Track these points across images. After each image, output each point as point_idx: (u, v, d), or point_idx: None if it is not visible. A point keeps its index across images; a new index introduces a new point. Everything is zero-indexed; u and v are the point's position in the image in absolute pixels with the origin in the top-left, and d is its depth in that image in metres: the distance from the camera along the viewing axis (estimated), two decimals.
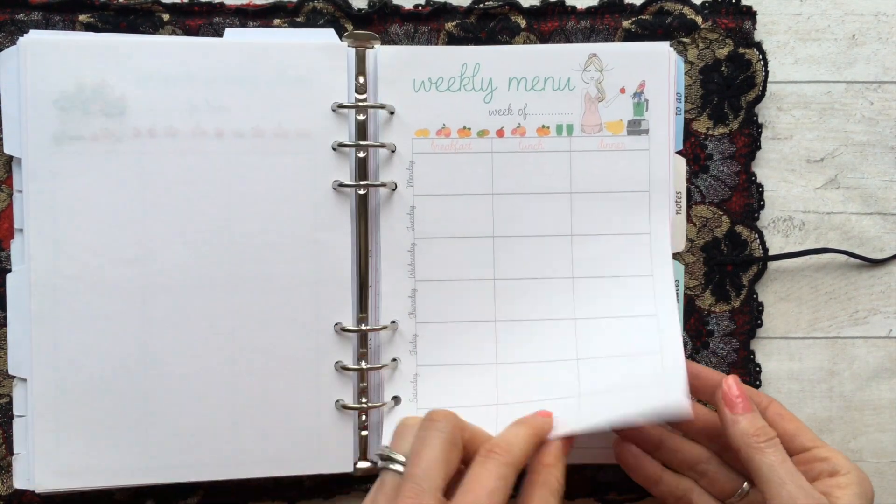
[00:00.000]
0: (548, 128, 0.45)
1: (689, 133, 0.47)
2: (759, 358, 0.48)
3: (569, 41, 0.47)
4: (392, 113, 0.45)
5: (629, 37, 0.46)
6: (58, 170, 0.42)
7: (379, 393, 0.45)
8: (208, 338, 0.43)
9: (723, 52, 0.46)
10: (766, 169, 0.48)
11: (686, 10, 0.46)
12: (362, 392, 0.45)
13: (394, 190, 0.45)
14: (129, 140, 0.43)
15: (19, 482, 0.43)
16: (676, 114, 0.46)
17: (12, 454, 0.43)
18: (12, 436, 0.43)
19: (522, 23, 0.46)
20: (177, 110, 0.43)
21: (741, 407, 0.39)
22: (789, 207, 0.48)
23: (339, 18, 0.46)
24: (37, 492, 0.43)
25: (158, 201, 0.43)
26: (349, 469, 0.44)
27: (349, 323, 0.44)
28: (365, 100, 0.44)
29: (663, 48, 0.45)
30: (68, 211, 0.42)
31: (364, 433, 0.45)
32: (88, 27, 0.45)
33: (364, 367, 0.44)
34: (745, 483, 0.41)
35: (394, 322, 0.45)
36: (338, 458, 0.44)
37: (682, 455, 0.43)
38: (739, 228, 0.47)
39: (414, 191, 0.45)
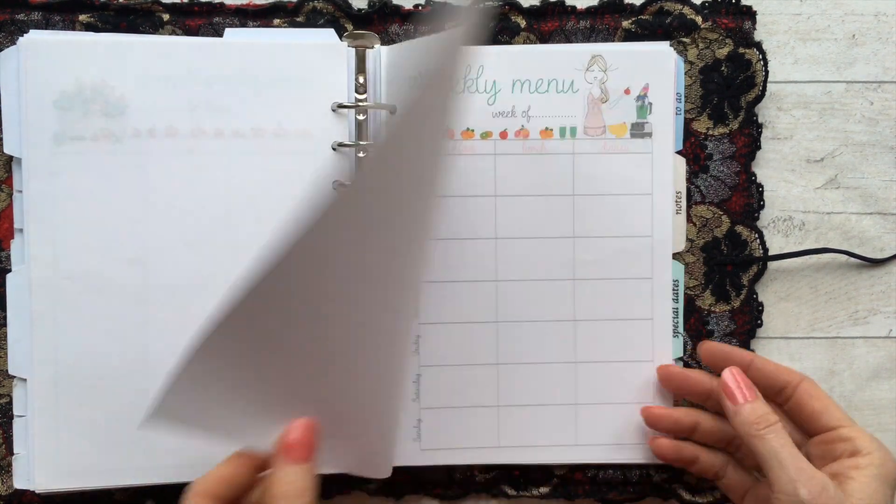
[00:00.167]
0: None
1: (689, 133, 0.47)
2: None
3: (569, 41, 0.47)
4: (392, 113, 0.45)
5: (629, 37, 0.46)
6: (57, 169, 0.42)
7: None
8: None
9: (723, 52, 0.46)
10: (766, 169, 0.48)
11: (686, 10, 0.46)
12: None
13: None
14: (129, 140, 0.43)
15: (19, 482, 0.43)
16: (676, 114, 0.46)
17: (12, 454, 0.43)
18: (12, 436, 0.43)
19: (522, 23, 0.46)
20: (177, 110, 0.43)
21: (741, 397, 0.40)
22: (789, 207, 0.48)
23: (339, 18, 0.46)
24: (37, 492, 0.43)
25: (158, 201, 0.43)
26: None
27: None
28: (365, 100, 0.44)
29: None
30: (68, 211, 0.42)
31: None
32: (88, 27, 0.45)
33: None
34: None
35: None
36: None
37: (718, 434, 0.43)
38: (739, 228, 0.47)
39: None
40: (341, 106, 0.44)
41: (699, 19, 0.46)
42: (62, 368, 0.42)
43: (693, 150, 0.47)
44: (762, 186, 0.47)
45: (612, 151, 0.45)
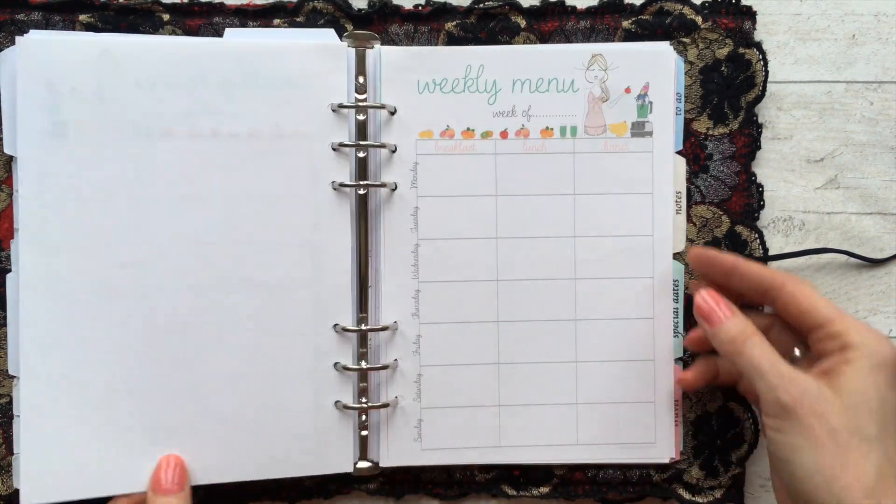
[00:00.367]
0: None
1: (689, 133, 0.47)
2: None
3: (569, 41, 0.47)
4: (392, 113, 0.45)
5: (629, 37, 0.46)
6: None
7: (378, 393, 0.45)
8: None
9: (723, 52, 0.46)
10: (766, 169, 0.48)
11: (686, 10, 0.46)
12: (362, 392, 0.45)
13: (394, 190, 0.45)
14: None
15: (19, 482, 0.43)
16: (676, 114, 0.46)
17: (12, 454, 0.43)
18: (12, 436, 0.43)
19: (522, 23, 0.46)
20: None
21: (717, 318, 0.40)
22: (789, 207, 0.48)
23: (339, 18, 0.46)
24: None
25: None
26: (349, 469, 0.45)
27: (349, 323, 0.44)
28: (365, 100, 0.44)
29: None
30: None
31: (364, 433, 0.45)
32: (88, 27, 0.45)
33: (364, 367, 0.44)
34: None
35: (395, 322, 0.45)
36: (338, 459, 0.44)
37: (755, 280, 0.41)
38: (739, 228, 0.47)
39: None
40: (341, 106, 0.44)
41: (699, 19, 0.46)
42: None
43: (693, 150, 0.47)
44: (762, 186, 0.47)
45: (613, 150, 0.45)
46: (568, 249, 0.45)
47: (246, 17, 0.46)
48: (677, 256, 0.46)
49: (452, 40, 0.46)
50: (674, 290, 0.46)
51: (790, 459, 0.36)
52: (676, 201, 0.46)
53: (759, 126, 0.47)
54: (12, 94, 0.43)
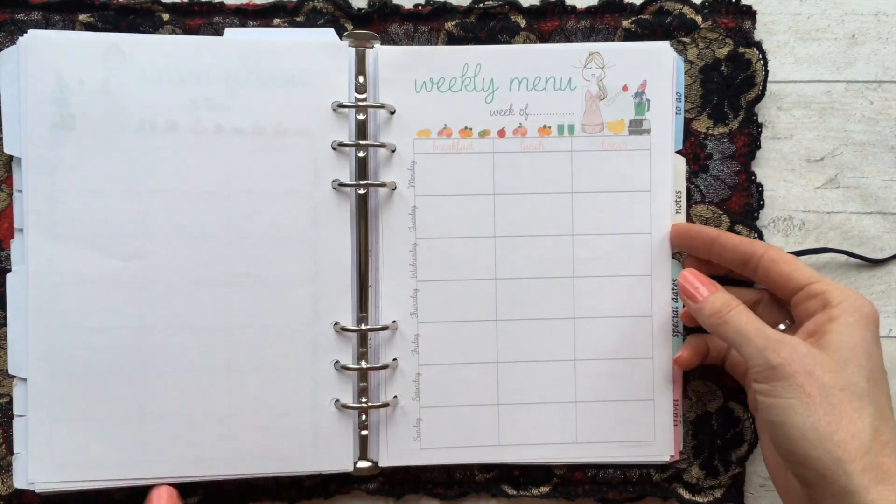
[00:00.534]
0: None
1: (689, 133, 0.47)
2: None
3: (568, 41, 0.47)
4: (392, 113, 0.45)
5: (629, 36, 0.46)
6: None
7: (378, 392, 0.45)
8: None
9: (723, 51, 0.46)
10: (766, 168, 0.48)
11: (686, 9, 0.46)
12: (362, 392, 0.45)
13: (394, 190, 0.45)
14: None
15: (19, 482, 0.43)
16: (676, 113, 0.46)
17: (12, 454, 0.43)
18: (12, 436, 0.43)
19: (522, 22, 0.46)
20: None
21: (700, 294, 0.41)
22: (789, 207, 0.48)
23: (339, 18, 0.46)
24: (36, 490, 0.43)
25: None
26: (349, 469, 0.45)
27: (349, 322, 0.44)
28: (365, 99, 0.44)
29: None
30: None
31: (364, 433, 0.45)
32: (88, 27, 0.45)
33: (364, 366, 0.44)
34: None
35: (394, 322, 0.45)
36: (337, 458, 0.44)
37: (736, 250, 0.42)
38: (739, 228, 0.47)
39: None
40: (341, 105, 0.44)
41: (699, 19, 0.46)
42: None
43: (693, 149, 0.47)
44: (762, 186, 0.47)
45: (611, 148, 0.45)
46: (566, 248, 0.45)
47: (246, 16, 0.46)
48: (676, 256, 0.46)
49: (452, 40, 0.46)
50: (673, 288, 0.46)
51: (783, 421, 0.36)
52: (676, 201, 0.46)
53: (759, 126, 0.47)
54: (14, 93, 0.43)
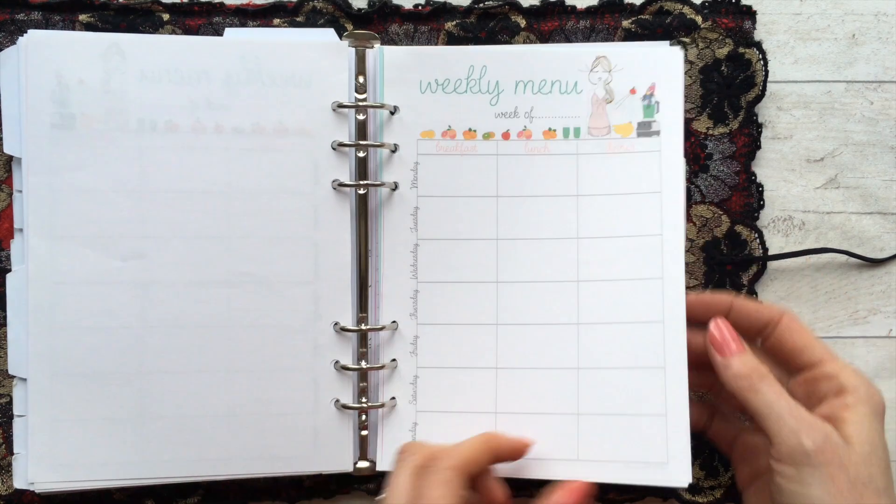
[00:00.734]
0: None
1: (689, 133, 0.47)
2: None
3: (569, 41, 0.46)
4: (392, 113, 0.45)
5: (629, 37, 0.46)
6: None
7: (378, 393, 0.45)
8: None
9: (723, 51, 0.46)
10: (766, 169, 0.48)
11: (686, 9, 0.46)
12: (362, 392, 0.45)
13: (393, 190, 0.45)
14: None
15: (19, 482, 0.43)
16: None
17: (12, 454, 0.43)
18: (12, 436, 0.43)
19: (522, 23, 0.46)
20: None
21: (730, 349, 0.39)
22: (789, 207, 0.48)
23: (339, 18, 0.46)
24: (36, 491, 0.43)
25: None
26: (349, 469, 0.44)
27: (349, 322, 0.44)
28: (365, 99, 0.44)
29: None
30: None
31: (364, 433, 0.45)
32: (88, 27, 0.45)
33: (363, 366, 0.44)
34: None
35: (394, 322, 0.45)
36: (337, 458, 0.44)
37: (753, 316, 0.41)
38: (739, 228, 0.47)
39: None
40: (341, 106, 0.44)
41: (699, 19, 0.46)
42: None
43: (693, 149, 0.47)
44: (762, 186, 0.47)
45: (618, 151, 0.44)
46: (571, 251, 0.44)
47: (246, 16, 0.46)
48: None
49: (452, 40, 0.46)
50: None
51: None
52: None
53: (759, 126, 0.47)
54: (14, 93, 0.43)
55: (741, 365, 0.38)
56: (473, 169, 0.45)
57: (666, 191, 0.44)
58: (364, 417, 0.45)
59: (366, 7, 0.46)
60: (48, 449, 0.42)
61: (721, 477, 0.46)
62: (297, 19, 0.46)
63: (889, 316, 0.48)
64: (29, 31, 0.43)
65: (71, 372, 0.43)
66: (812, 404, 0.38)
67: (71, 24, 0.45)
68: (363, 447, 0.45)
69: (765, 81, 0.47)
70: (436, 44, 0.46)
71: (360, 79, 0.44)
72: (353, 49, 0.44)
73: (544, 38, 0.47)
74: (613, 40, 0.46)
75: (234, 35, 0.45)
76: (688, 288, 0.46)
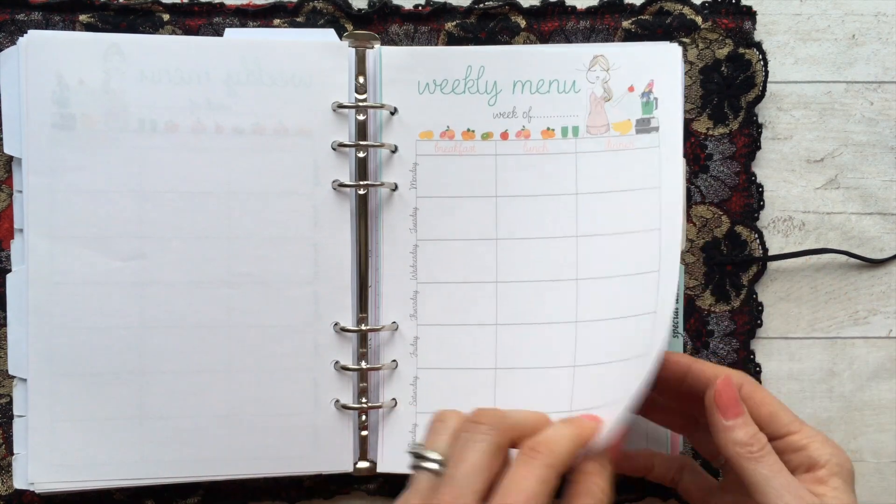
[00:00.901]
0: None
1: (689, 133, 0.47)
2: (758, 358, 0.48)
3: (569, 41, 0.46)
4: (392, 113, 0.45)
5: (629, 37, 0.46)
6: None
7: (378, 393, 0.45)
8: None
9: (723, 52, 0.46)
10: (766, 169, 0.48)
11: (686, 10, 0.46)
12: (362, 392, 0.45)
13: (393, 190, 0.45)
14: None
15: (19, 482, 0.43)
16: None
17: (12, 454, 0.44)
18: (12, 436, 0.43)
19: (522, 23, 0.46)
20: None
21: (736, 411, 0.38)
22: (789, 207, 0.48)
23: (339, 18, 0.46)
24: (36, 491, 0.43)
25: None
26: (349, 469, 0.44)
27: (349, 323, 0.44)
28: (365, 100, 0.44)
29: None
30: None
31: (364, 433, 0.45)
32: (88, 27, 0.45)
33: (363, 367, 0.44)
34: None
35: (394, 322, 0.45)
36: (337, 458, 0.44)
37: (710, 379, 0.39)
38: (739, 228, 0.47)
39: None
40: (341, 106, 0.44)
41: (699, 19, 0.46)
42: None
43: (693, 150, 0.47)
44: (762, 186, 0.47)
45: (617, 148, 0.44)
46: (570, 250, 0.44)
47: (246, 17, 0.46)
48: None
49: (452, 40, 0.46)
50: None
51: None
52: None
53: (759, 126, 0.47)
54: (14, 94, 0.43)
55: (744, 432, 0.37)
56: (472, 169, 0.45)
57: (665, 186, 0.43)
58: (364, 418, 0.45)
59: (366, 7, 0.46)
60: (48, 449, 0.42)
61: (721, 478, 0.46)
62: (298, 20, 0.46)
63: (889, 316, 0.48)
64: (29, 31, 0.43)
65: (71, 372, 0.43)
66: None
67: (71, 25, 0.45)
68: (363, 447, 0.45)
69: (765, 82, 0.47)
70: (436, 44, 0.46)
71: (360, 79, 0.44)
72: (353, 49, 0.44)
73: (544, 38, 0.47)
74: (613, 41, 0.46)
75: (235, 35, 0.45)
76: (688, 288, 0.47)
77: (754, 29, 0.47)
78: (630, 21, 0.46)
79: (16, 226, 0.43)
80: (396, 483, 0.46)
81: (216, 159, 0.43)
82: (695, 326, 0.47)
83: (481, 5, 0.46)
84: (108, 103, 0.43)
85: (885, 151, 0.48)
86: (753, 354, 0.47)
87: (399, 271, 0.45)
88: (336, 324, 0.44)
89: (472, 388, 0.44)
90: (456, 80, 0.45)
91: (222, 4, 0.46)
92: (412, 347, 0.45)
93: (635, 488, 0.47)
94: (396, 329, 0.45)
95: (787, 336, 0.48)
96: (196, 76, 0.43)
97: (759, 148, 0.47)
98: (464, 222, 0.45)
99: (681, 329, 0.46)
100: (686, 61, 0.46)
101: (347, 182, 0.44)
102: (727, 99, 0.47)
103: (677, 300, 0.46)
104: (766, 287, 0.48)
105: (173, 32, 0.45)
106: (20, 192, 0.43)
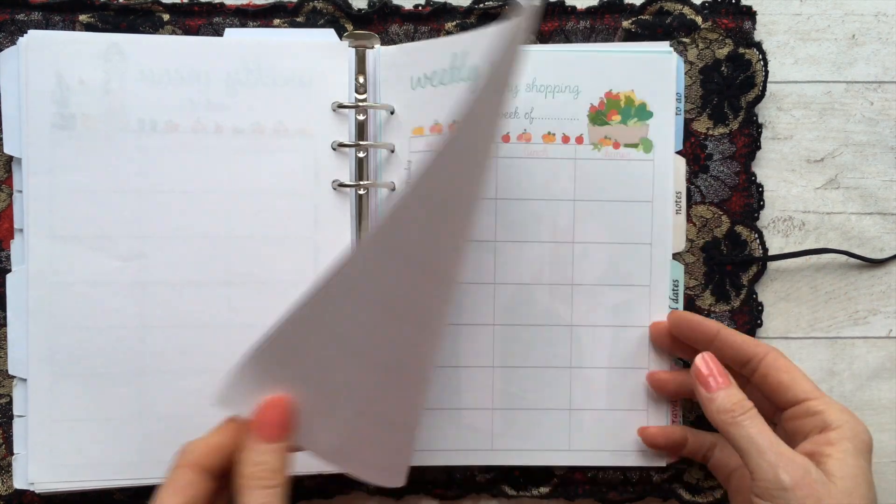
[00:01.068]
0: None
1: (689, 133, 0.47)
2: None
3: (568, 41, 0.46)
4: (392, 112, 0.45)
5: (629, 37, 0.46)
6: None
7: None
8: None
9: (723, 52, 0.46)
10: (766, 169, 0.48)
11: (686, 10, 0.46)
12: None
13: (393, 190, 0.45)
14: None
15: (19, 482, 0.43)
16: (676, 114, 0.46)
17: (12, 454, 0.44)
18: (12, 436, 0.43)
19: None
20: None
21: (715, 384, 0.39)
22: (789, 207, 0.48)
23: (339, 18, 0.46)
24: (36, 491, 0.43)
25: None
26: None
27: None
28: (365, 100, 0.44)
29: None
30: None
31: None
32: (88, 27, 0.45)
33: None
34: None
35: None
36: None
37: (738, 348, 0.41)
38: (739, 228, 0.47)
39: None
40: (341, 106, 0.44)
41: (699, 19, 0.46)
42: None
43: (693, 150, 0.47)
44: (762, 186, 0.47)
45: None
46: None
47: (246, 17, 0.46)
48: (677, 256, 0.46)
49: None
50: (673, 290, 0.46)
51: None
52: (676, 201, 0.46)
53: (759, 126, 0.47)
54: (14, 94, 0.43)
55: (725, 399, 0.38)
56: None
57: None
58: None
59: (366, 7, 0.46)
60: (48, 449, 0.42)
61: None
62: (298, 19, 0.46)
63: (889, 316, 0.48)
64: (29, 31, 0.43)
65: (71, 372, 0.43)
66: (797, 441, 0.38)
67: (71, 25, 0.45)
68: None
69: (765, 82, 0.47)
70: None
71: (360, 79, 0.44)
72: (353, 49, 0.44)
73: (544, 38, 0.47)
74: (613, 41, 0.46)
75: (235, 35, 0.45)
76: (688, 288, 0.47)
77: (754, 29, 0.47)
78: (630, 21, 0.46)
79: (16, 226, 0.43)
80: None
81: (216, 159, 0.43)
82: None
83: (481, 5, 0.46)
84: (108, 103, 0.43)
85: (885, 151, 0.48)
86: None
87: None
88: None
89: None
90: (442, 71, 0.44)
91: (222, 4, 0.46)
92: None
93: (635, 488, 0.47)
94: None
95: (787, 336, 0.48)
96: (196, 76, 0.43)
97: (759, 148, 0.47)
98: None
99: None
100: (686, 61, 0.46)
101: (347, 182, 0.44)
102: (727, 99, 0.47)
103: (677, 300, 0.46)
104: (766, 287, 0.48)
105: (173, 32, 0.45)
106: (20, 192, 0.43)
